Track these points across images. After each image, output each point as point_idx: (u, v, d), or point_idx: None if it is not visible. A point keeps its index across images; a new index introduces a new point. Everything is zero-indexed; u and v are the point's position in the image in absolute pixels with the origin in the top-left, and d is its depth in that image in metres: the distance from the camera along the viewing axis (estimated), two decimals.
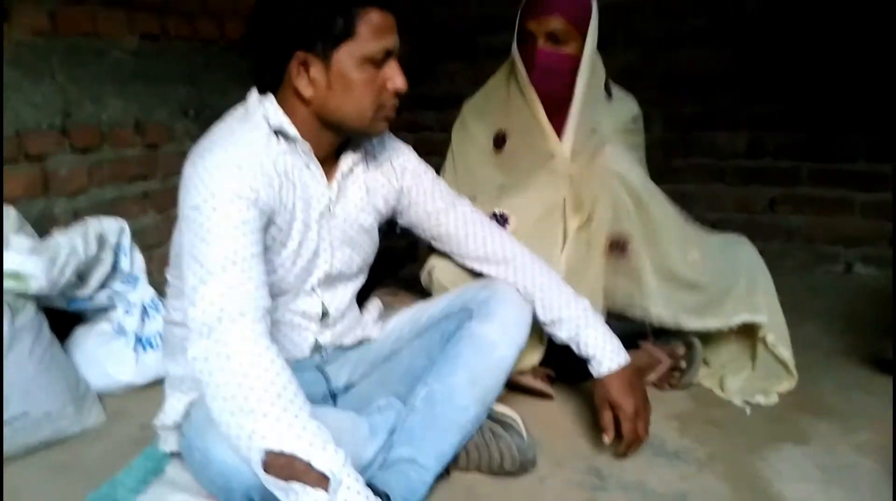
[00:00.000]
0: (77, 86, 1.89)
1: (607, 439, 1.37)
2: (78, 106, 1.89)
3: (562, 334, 1.40)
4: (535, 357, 1.62)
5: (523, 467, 1.35)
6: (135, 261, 1.79)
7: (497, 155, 1.80)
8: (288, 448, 0.95)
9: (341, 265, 1.33)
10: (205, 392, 1.02)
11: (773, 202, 2.78)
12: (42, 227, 1.69)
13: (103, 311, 1.71)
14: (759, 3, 2.58)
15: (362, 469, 1.18)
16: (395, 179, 1.38)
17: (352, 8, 1.11)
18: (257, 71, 1.21)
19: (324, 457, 0.96)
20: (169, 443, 1.31)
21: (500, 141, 1.79)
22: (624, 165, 1.63)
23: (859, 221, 2.69)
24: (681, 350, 1.71)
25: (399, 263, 2.17)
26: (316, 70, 1.14)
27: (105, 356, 1.65)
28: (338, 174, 1.28)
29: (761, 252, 1.68)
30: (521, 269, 1.42)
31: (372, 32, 1.12)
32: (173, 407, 1.25)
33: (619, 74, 1.85)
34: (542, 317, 1.41)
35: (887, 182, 2.59)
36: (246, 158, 1.12)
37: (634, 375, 1.40)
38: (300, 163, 1.21)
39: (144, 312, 1.74)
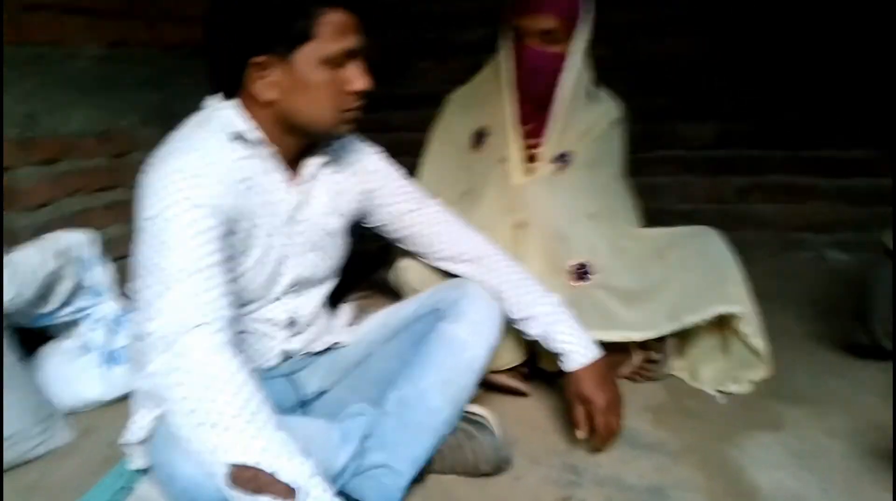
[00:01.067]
0: (40, 95, 1.85)
1: (580, 434, 1.38)
2: (41, 116, 1.86)
3: (532, 330, 1.40)
4: (515, 356, 1.62)
5: (499, 466, 1.35)
6: (102, 275, 1.75)
7: (473, 153, 1.79)
8: (252, 461, 0.94)
9: (308, 271, 1.32)
10: (167, 408, 1.00)
11: (743, 192, 2.81)
12: (5, 243, 1.66)
13: (69, 327, 1.68)
14: None
15: (335, 477, 1.17)
16: (361, 181, 1.37)
17: (310, 9, 1.09)
18: (216, 76, 1.19)
19: (290, 468, 0.95)
20: (136, 461, 1.28)
21: (478, 139, 1.79)
22: (575, 192, 1.69)
23: (829, 207, 2.72)
24: (653, 342, 1.71)
25: (372, 266, 2.15)
26: (275, 73, 1.12)
27: (72, 374, 1.62)
28: (301, 179, 1.26)
29: (733, 241, 1.69)
30: (491, 267, 1.42)
31: (332, 33, 1.10)
32: (137, 424, 1.22)
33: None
34: (512, 315, 1.40)
35: (856, 168, 2.63)
36: (203, 166, 1.10)
37: (606, 368, 1.40)
38: (261, 168, 1.19)
39: (112, 326, 1.71)
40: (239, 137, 1.16)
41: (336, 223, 1.34)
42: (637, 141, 1.89)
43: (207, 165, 1.10)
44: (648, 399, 1.65)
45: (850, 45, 2.48)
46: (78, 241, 1.70)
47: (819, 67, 2.55)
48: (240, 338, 1.25)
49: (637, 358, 1.71)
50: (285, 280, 1.28)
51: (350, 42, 1.13)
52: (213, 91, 1.21)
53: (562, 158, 1.73)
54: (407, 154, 1.88)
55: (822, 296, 2.28)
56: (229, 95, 1.18)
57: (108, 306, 1.72)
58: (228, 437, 0.95)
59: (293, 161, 1.25)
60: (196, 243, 1.05)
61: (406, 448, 1.25)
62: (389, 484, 1.22)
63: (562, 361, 1.39)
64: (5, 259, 1.50)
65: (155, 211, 1.06)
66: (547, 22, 1.59)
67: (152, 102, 2.22)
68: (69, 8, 1.93)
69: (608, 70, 1.80)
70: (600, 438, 1.38)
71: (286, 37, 1.10)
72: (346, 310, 1.53)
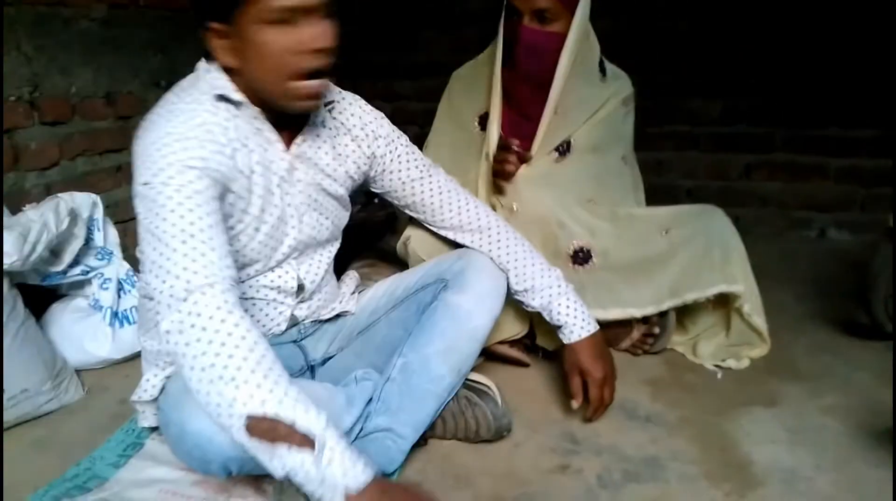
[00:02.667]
0: (45, 57, 1.85)
1: (575, 404, 1.42)
2: (46, 78, 1.86)
3: (534, 302, 1.42)
4: (518, 328, 1.64)
5: (499, 433, 1.38)
6: (108, 236, 1.77)
7: (480, 134, 1.77)
8: (271, 412, 0.96)
9: (311, 230, 1.31)
10: (181, 364, 1.02)
11: (747, 169, 2.81)
12: (13, 202, 1.67)
13: (79, 286, 1.71)
14: None
15: None
16: (366, 145, 1.36)
17: None
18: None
19: (306, 419, 0.97)
20: (147, 419, 1.31)
21: (482, 122, 1.77)
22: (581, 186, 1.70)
23: (832, 186, 2.72)
24: (654, 316, 1.73)
25: (377, 234, 2.16)
26: (228, 38, 1.09)
27: (82, 332, 1.65)
28: (298, 138, 1.25)
29: (736, 219, 1.70)
30: (496, 238, 1.43)
31: None
32: (150, 382, 1.25)
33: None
34: (515, 286, 1.42)
35: (860, 148, 2.63)
36: (191, 128, 1.09)
37: (603, 342, 1.44)
38: (251, 128, 1.18)
39: (120, 287, 1.73)
40: (224, 98, 1.15)
41: (338, 186, 1.33)
42: (643, 116, 1.88)
43: (196, 127, 1.10)
44: (647, 373, 1.67)
45: (857, 24, 2.46)
46: (87, 201, 1.72)
47: (826, 46, 2.53)
48: (249, 304, 1.27)
49: (637, 332, 1.73)
50: (288, 240, 1.28)
51: None
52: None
53: (562, 148, 1.71)
54: (412, 123, 1.89)
55: (823, 275, 2.29)
56: (209, 59, 1.16)
57: (117, 267, 1.74)
58: (246, 390, 0.96)
59: (291, 121, 1.23)
60: (192, 204, 1.05)
61: (409, 414, 1.28)
62: (392, 447, 1.25)
63: (562, 333, 1.42)
64: (16, 218, 1.51)
65: (149, 176, 1.06)
66: (541, 1, 1.54)
67: (158, 64, 2.21)
68: None
69: (616, 44, 1.79)
70: (594, 409, 1.42)
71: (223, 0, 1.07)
72: (351, 278, 1.54)
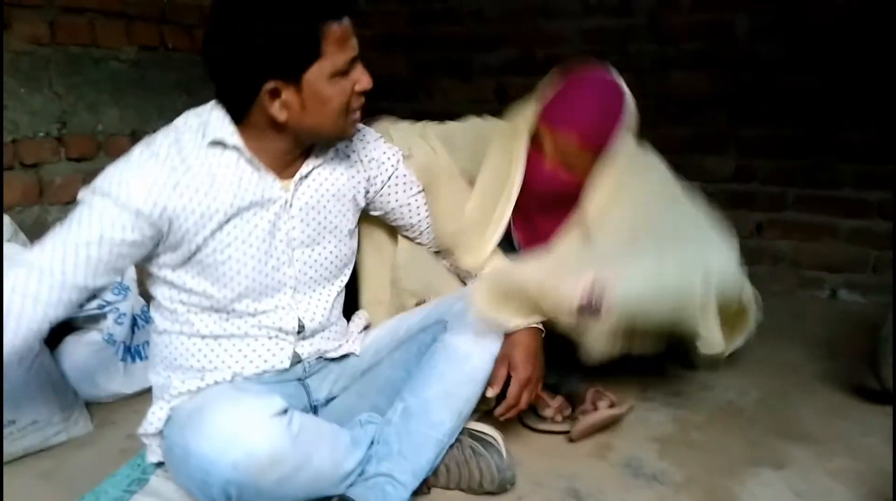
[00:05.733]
0: (74, 95, 1.91)
1: (490, 392, 1.36)
2: (74, 115, 1.92)
3: None
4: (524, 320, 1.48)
5: (502, 486, 1.37)
6: (126, 272, 1.80)
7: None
8: None
9: (308, 268, 1.34)
10: None
11: (759, 227, 2.82)
12: (36, 234, 1.71)
13: (94, 320, 1.73)
14: (750, 29, 2.62)
15: (343, 479, 1.22)
16: (362, 169, 1.40)
17: (313, 27, 1.11)
18: (224, 99, 1.21)
19: None
20: (154, 453, 1.32)
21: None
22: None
23: (845, 247, 2.72)
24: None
25: None
26: (288, 94, 1.14)
27: (94, 366, 1.67)
28: (297, 176, 1.28)
29: (748, 276, 1.66)
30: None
31: (337, 46, 1.13)
32: (155, 415, 1.27)
33: None
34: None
35: (872, 209, 2.63)
36: (152, 167, 1.16)
37: (540, 347, 1.40)
38: (246, 168, 1.22)
39: (134, 322, 1.75)
40: (219, 143, 1.20)
41: (341, 220, 1.37)
42: None
43: (154, 169, 1.16)
44: (655, 430, 1.66)
45: (869, 83, 2.49)
46: None
47: (839, 108, 2.56)
48: (251, 340, 1.30)
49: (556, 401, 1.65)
50: (285, 278, 1.30)
51: (353, 50, 1.17)
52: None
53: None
54: None
55: (834, 336, 2.28)
56: (237, 119, 1.20)
57: (132, 302, 1.76)
58: None
59: (294, 159, 1.28)
60: (96, 232, 1.14)
61: (409, 460, 1.28)
62: (391, 494, 1.25)
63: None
64: None
65: (92, 187, 1.17)
66: (566, 141, 1.43)
67: (184, 105, 2.25)
68: (107, 12, 1.99)
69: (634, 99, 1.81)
70: (507, 406, 1.38)
71: (295, 59, 1.12)
72: (361, 316, 1.54)
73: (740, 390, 1.85)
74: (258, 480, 1.07)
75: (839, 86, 2.54)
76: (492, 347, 1.36)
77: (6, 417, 1.40)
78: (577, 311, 1.27)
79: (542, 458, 1.52)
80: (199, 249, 1.22)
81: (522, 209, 1.53)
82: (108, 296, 1.74)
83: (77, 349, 1.68)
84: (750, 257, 2.70)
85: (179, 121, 1.24)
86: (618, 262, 1.35)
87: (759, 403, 1.79)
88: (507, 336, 1.38)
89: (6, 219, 1.59)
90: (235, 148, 1.20)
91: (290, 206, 1.28)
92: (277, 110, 1.15)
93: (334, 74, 1.15)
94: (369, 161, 1.41)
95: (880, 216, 2.64)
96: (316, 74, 1.13)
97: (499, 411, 1.40)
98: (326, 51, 1.13)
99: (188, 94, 2.29)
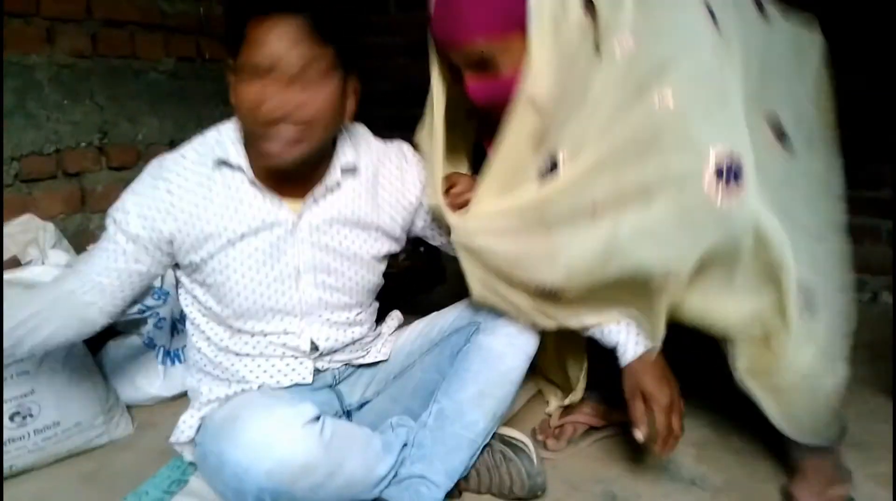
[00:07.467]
0: (115, 106, 1.96)
1: (639, 434, 1.25)
2: (115, 125, 1.96)
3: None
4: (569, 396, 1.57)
5: (532, 492, 1.35)
6: (165, 277, 1.82)
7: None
8: None
9: (323, 293, 1.30)
10: None
11: None
12: (78, 242, 1.76)
13: (134, 325, 1.76)
14: None
15: (375, 485, 1.22)
16: (395, 192, 1.36)
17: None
18: None
19: None
20: (189, 455, 1.34)
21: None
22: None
23: (886, 249, 2.66)
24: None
25: (422, 285, 2.13)
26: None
27: (135, 369, 1.71)
28: (308, 198, 1.25)
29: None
30: None
31: (248, 44, 1.11)
32: (186, 424, 1.29)
33: None
34: None
35: None
36: (146, 196, 1.21)
37: (664, 363, 1.29)
38: (249, 190, 1.23)
39: (173, 326, 1.78)
40: (223, 163, 1.22)
41: (357, 244, 1.32)
42: None
43: (153, 191, 1.21)
44: (693, 435, 1.63)
45: None
46: None
47: (881, 109, 2.51)
48: (268, 355, 1.30)
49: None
50: (292, 302, 1.28)
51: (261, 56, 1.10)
52: None
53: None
54: None
55: (877, 340, 2.22)
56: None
57: (171, 307, 1.80)
58: None
59: (308, 177, 1.24)
60: (111, 264, 1.23)
61: (443, 461, 1.28)
62: (425, 495, 1.25)
63: (618, 353, 1.29)
64: (80, 258, 1.58)
65: (109, 213, 1.26)
66: (472, 50, 1.16)
67: (220, 115, 2.29)
68: (146, 24, 2.04)
69: None
70: (663, 439, 1.24)
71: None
72: (394, 317, 1.52)
73: None
74: (291, 488, 1.08)
75: (883, 86, 2.49)
76: (526, 347, 1.34)
77: (51, 419, 1.43)
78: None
79: (579, 461, 1.51)
80: (198, 267, 1.24)
81: (495, 135, 1.24)
82: (149, 301, 1.77)
83: (118, 353, 1.72)
84: None
85: (197, 138, 1.27)
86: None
87: None
88: (626, 368, 1.28)
89: (50, 227, 1.63)
90: (240, 168, 1.21)
91: (298, 229, 1.26)
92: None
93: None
94: (412, 185, 1.38)
95: None
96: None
97: (657, 449, 1.26)
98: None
99: (225, 103, 2.30)
